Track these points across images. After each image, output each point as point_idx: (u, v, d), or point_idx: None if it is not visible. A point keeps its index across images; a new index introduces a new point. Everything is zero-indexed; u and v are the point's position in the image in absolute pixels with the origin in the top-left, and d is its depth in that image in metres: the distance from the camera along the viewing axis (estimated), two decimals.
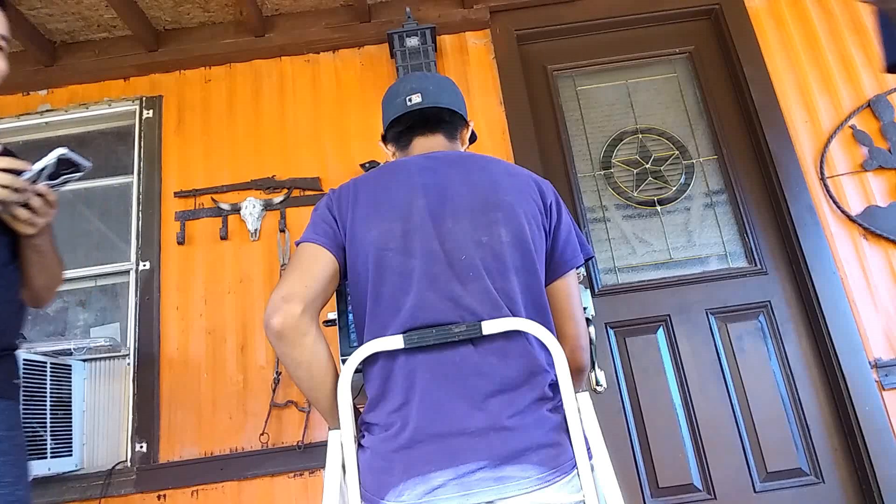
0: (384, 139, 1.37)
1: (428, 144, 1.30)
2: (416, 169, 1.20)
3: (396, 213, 1.15)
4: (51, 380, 2.18)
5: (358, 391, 1.20)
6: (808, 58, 2.73)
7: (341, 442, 1.07)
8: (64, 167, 1.34)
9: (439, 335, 1.05)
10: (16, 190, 1.24)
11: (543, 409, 1.06)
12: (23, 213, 1.28)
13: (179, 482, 2.25)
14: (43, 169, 1.29)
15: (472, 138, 1.41)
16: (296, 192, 2.60)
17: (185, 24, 2.81)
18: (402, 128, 1.32)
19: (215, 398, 2.36)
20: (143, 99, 2.77)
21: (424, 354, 1.06)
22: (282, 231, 2.54)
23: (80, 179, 1.38)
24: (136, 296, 2.49)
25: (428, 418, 1.03)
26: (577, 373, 1.18)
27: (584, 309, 1.49)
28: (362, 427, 1.12)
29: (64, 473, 2.22)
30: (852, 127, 2.60)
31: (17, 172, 1.24)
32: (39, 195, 1.31)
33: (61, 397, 2.24)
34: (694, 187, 2.68)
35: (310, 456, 2.26)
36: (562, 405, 1.05)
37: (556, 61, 2.84)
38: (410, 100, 1.29)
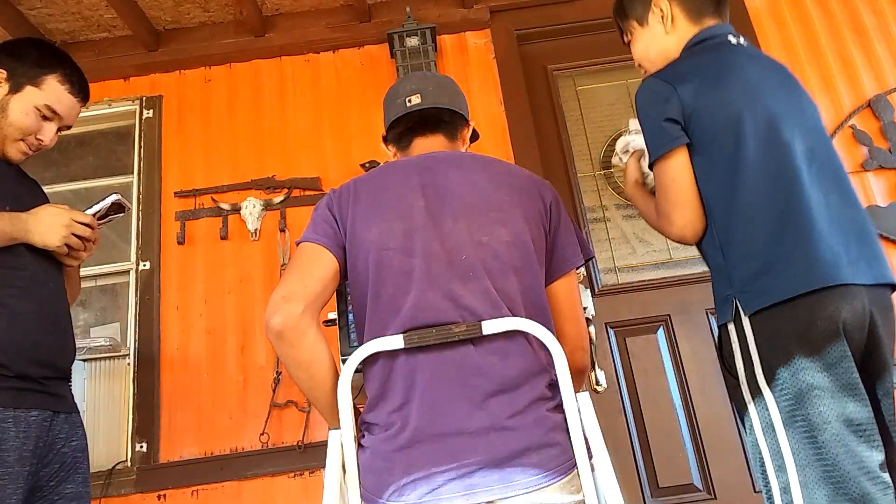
0: (385, 140, 1.37)
1: (428, 145, 1.30)
2: (417, 169, 1.21)
3: (397, 212, 1.15)
4: None
5: (358, 391, 1.20)
6: (808, 58, 2.73)
7: (341, 442, 1.07)
8: (113, 209, 1.54)
9: (439, 335, 1.05)
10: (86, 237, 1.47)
11: (543, 409, 1.06)
12: (83, 255, 1.49)
13: (179, 482, 2.24)
14: (98, 212, 1.50)
15: (474, 137, 1.41)
16: (296, 192, 2.60)
17: (185, 24, 2.81)
18: (402, 129, 1.32)
19: (215, 398, 2.36)
20: (143, 99, 2.76)
21: (424, 354, 1.06)
22: (282, 231, 2.54)
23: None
24: (136, 296, 2.49)
25: (428, 418, 1.03)
26: (577, 373, 1.18)
27: (584, 309, 1.49)
28: (362, 427, 1.12)
29: None
30: (852, 127, 2.59)
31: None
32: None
33: None
34: None
35: (310, 456, 2.26)
36: (562, 405, 1.05)
37: (556, 61, 2.84)
38: (410, 101, 1.29)
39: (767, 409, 1.08)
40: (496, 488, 0.98)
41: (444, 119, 1.31)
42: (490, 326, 1.05)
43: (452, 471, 0.99)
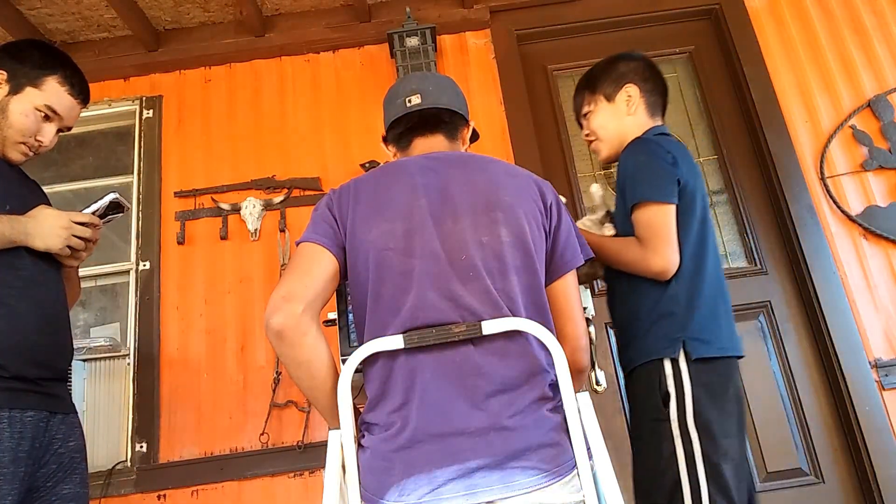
0: (385, 140, 1.37)
1: (428, 145, 1.30)
2: (417, 169, 1.20)
3: (397, 212, 1.15)
4: None
5: (358, 391, 1.20)
6: (808, 58, 2.73)
7: (341, 442, 1.07)
8: (112, 209, 1.53)
9: (439, 335, 1.05)
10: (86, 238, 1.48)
11: (543, 409, 1.06)
12: (83, 254, 1.49)
13: (179, 482, 2.24)
14: (95, 210, 1.50)
15: (474, 137, 1.41)
16: (296, 192, 2.60)
17: (185, 24, 2.81)
18: (401, 129, 1.32)
19: (215, 398, 2.36)
20: (143, 99, 2.76)
21: (424, 354, 1.06)
22: (282, 231, 2.54)
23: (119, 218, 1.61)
24: (136, 296, 2.49)
25: (428, 418, 1.03)
26: (576, 373, 1.18)
27: (584, 309, 1.49)
28: (362, 427, 1.12)
29: None
30: (852, 127, 2.59)
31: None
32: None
33: None
34: None
35: (310, 456, 2.26)
36: (562, 405, 1.06)
37: (556, 61, 2.84)
38: (410, 101, 1.29)
39: (692, 444, 1.30)
40: (496, 488, 0.99)
41: (445, 119, 1.31)
42: (490, 326, 1.05)
43: (453, 471, 0.99)
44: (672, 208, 1.40)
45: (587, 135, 1.64)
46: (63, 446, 1.41)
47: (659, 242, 1.38)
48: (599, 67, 1.63)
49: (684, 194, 1.42)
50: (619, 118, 1.57)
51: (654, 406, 1.35)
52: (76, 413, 1.49)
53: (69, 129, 1.55)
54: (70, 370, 1.52)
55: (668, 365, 1.35)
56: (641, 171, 1.44)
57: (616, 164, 1.58)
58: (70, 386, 1.52)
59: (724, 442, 1.32)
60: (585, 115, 1.63)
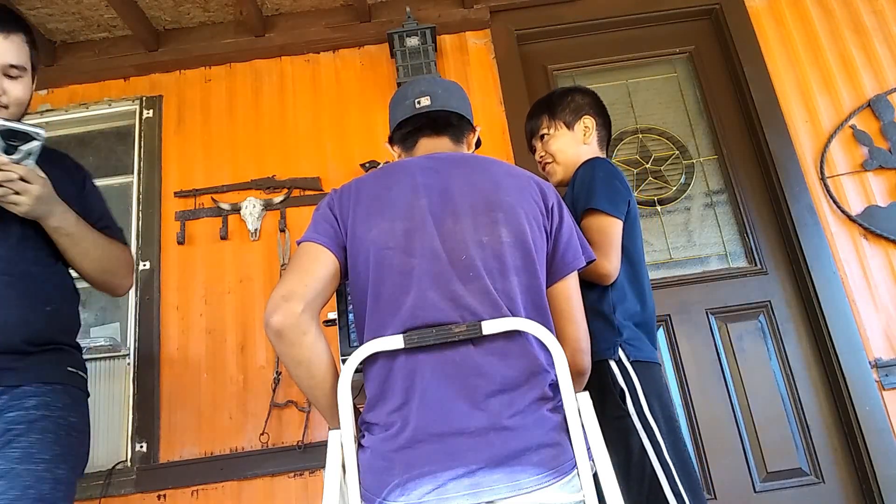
0: (391, 141, 1.38)
1: (433, 146, 1.31)
2: (418, 169, 1.21)
3: (398, 212, 1.15)
4: None
5: (358, 391, 1.20)
6: (808, 58, 2.72)
7: (341, 442, 1.07)
8: (13, 139, 1.28)
9: (439, 335, 1.05)
10: None
11: (543, 409, 1.06)
12: (14, 198, 1.27)
13: (179, 482, 2.24)
14: None
15: (477, 145, 1.43)
16: (296, 192, 2.60)
17: (185, 23, 2.81)
18: (409, 129, 1.33)
19: (215, 398, 2.36)
20: (143, 99, 2.76)
21: (425, 354, 1.06)
22: (282, 231, 2.54)
23: (41, 148, 1.33)
24: (136, 296, 2.48)
25: (428, 418, 1.03)
26: (577, 375, 1.18)
27: None
28: (362, 427, 1.12)
29: None
30: (852, 127, 2.59)
31: None
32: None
33: None
34: (694, 187, 2.68)
35: (310, 456, 2.26)
36: (562, 405, 1.06)
37: (556, 61, 2.84)
38: (419, 102, 1.31)
39: (655, 434, 1.39)
40: (496, 488, 0.99)
41: (453, 122, 1.33)
42: (490, 326, 1.05)
43: (452, 470, 0.99)
44: (621, 224, 1.51)
45: (542, 156, 1.72)
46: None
47: (609, 248, 1.48)
48: (556, 96, 1.73)
49: (629, 217, 1.54)
50: (577, 145, 1.67)
51: (613, 404, 1.42)
52: (37, 383, 1.30)
53: (13, 66, 1.37)
54: (37, 342, 1.32)
55: (613, 365, 1.44)
56: (601, 185, 1.53)
57: (565, 187, 1.68)
58: (40, 359, 1.33)
59: (678, 430, 1.45)
60: (543, 137, 1.71)
